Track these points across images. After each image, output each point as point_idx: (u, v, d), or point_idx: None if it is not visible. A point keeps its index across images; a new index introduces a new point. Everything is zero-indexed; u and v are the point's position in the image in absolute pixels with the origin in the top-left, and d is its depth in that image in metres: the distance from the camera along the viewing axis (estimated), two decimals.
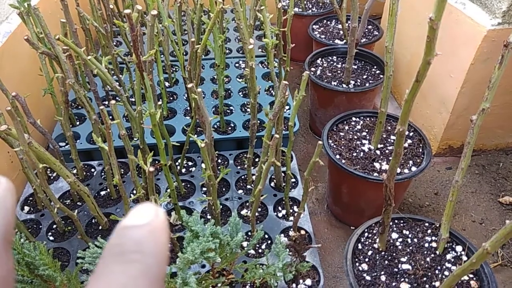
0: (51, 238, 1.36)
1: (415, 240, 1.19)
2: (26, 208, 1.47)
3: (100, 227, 1.37)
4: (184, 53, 2.08)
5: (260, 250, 1.32)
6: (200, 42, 1.90)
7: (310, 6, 2.51)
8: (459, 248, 1.16)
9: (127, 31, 0.92)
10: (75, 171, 1.58)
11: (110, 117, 1.80)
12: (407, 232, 1.22)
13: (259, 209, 1.46)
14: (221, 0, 1.21)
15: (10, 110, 0.91)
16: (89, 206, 1.23)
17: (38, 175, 1.13)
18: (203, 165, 1.64)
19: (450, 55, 1.70)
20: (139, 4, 2.13)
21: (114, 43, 2.36)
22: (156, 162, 1.61)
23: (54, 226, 1.39)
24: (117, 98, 1.84)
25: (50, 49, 1.22)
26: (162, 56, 1.92)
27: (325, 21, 2.35)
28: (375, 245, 1.18)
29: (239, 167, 1.62)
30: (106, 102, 1.89)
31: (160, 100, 1.84)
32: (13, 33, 1.73)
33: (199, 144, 1.04)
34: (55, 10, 2.07)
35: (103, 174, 1.58)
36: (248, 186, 1.54)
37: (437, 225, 1.21)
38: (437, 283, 1.08)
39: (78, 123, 1.81)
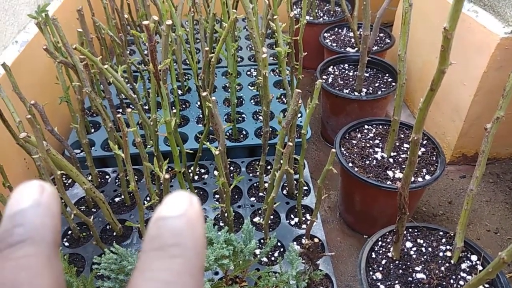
0: (66, 244, 1.37)
1: (430, 249, 1.18)
2: None
3: (114, 233, 1.39)
4: (197, 62, 2.11)
5: (272, 258, 1.32)
6: (213, 51, 1.93)
7: (322, 15, 2.53)
8: (474, 258, 1.15)
9: (144, 40, 0.94)
10: (90, 178, 1.60)
11: (126, 124, 1.82)
12: (421, 241, 1.21)
13: (272, 217, 1.46)
14: (235, 11, 1.23)
15: (30, 118, 0.93)
16: (104, 212, 1.24)
17: (56, 182, 1.14)
18: (215, 172, 1.66)
19: (463, 63, 1.70)
20: (152, 13, 2.17)
21: (128, 52, 2.40)
22: (170, 169, 1.62)
23: (69, 232, 1.41)
24: (131, 106, 1.87)
25: (67, 58, 1.25)
26: (175, 64, 1.94)
27: (336, 29, 2.36)
28: (389, 254, 1.18)
29: (251, 175, 1.63)
30: (120, 110, 1.92)
31: (174, 107, 1.86)
32: (30, 42, 1.77)
33: (213, 151, 1.05)
34: (70, 19, 2.11)
35: (117, 181, 1.60)
36: (260, 194, 1.55)
37: (452, 234, 1.21)
38: None
39: (93, 130, 1.84)
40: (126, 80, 1.92)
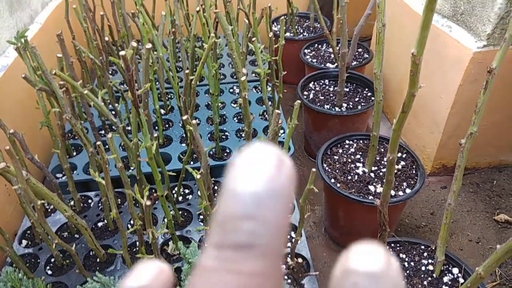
0: (50, 272, 1.35)
1: (412, 263, 1.20)
2: (24, 242, 1.47)
3: (98, 260, 1.37)
4: (179, 80, 2.12)
5: None
6: (194, 70, 1.94)
7: (302, 31, 2.57)
8: (455, 270, 1.17)
9: (121, 69, 0.95)
10: (72, 203, 1.58)
11: (107, 147, 1.81)
12: (404, 256, 1.23)
13: None
14: (213, 34, 1.25)
15: (9, 150, 0.92)
16: (86, 239, 1.23)
17: (36, 210, 1.13)
18: (199, 193, 1.66)
19: (439, 76, 1.74)
20: (134, 32, 2.18)
21: (110, 72, 2.40)
22: (153, 190, 1.62)
23: (52, 259, 1.39)
24: (113, 127, 1.86)
25: (47, 85, 1.25)
26: (157, 83, 1.95)
27: (316, 45, 2.40)
28: None
29: None
30: (103, 131, 1.91)
31: (156, 128, 1.86)
32: (10, 66, 1.76)
33: (194, 175, 1.06)
34: (51, 41, 2.11)
35: (100, 205, 1.59)
36: None
37: (433, 248, 1.23)
38: None
39: (75, 153, 1.83)
40: (108, 101, 1.92)
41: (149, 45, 1.19)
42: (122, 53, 0.79)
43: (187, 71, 1.35)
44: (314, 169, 1.09)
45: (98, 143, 1.01)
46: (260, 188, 0.14)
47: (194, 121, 1.10)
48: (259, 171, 0.15)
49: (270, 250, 0.14)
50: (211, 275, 0.14)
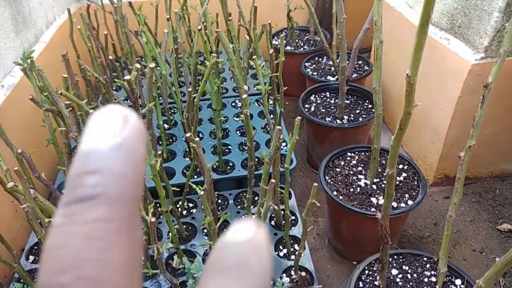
0: None
1: (415, 275, 1.21)
2: (31, 258, 1.49)
3: None
4: (182, 95, 2.15)
5: None
6: (197, 86, 1.97)
7: (302, 44, 2.60)
8: (458, 282, 1.18)
9: (127, 90, 0.98)
10: None
11: None
12: (407, 268, 1.24)
13: None
14: (214, 54, 1.28)
15: (18, 170, 0.95)
16: None
17: (43, 227, 1.16)
18: (203, 207, 1.68)
19: (439, 88, 1.76)
20: (137, 49, 2.22)
21: (114, 88, 2.44)
22: (158, 205, 1.64)
23: None
24: None
25: (53, 104, 1.28)
26: (160, 98, 1.98)
27: (316, 58, 2.43)
28: (376, 282, 1.20)
29: (239, 207, 1.65)
30: None
31: (160, 142, 1.89)
32: (16, 85, 1.79)
33: (198, 191, 1.08)
34: (56, 59, 2.15)
35: None
36: None
37: (436, 259, 1.23)
38: None
39: None
40: None
41: (152, 65, 1.22)
42: (127, 77, 0.81)
43: (189, 90, 1.38)
44: (316, 184, 1.11)
45: None
46: (103, 144, 0.16)
47: (197, 139, 1.13)
48: (103, 129, 0.16)
49: (115, 198, 0.16)
50: (59, 231, 0.15)
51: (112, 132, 0.16)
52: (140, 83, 1.97)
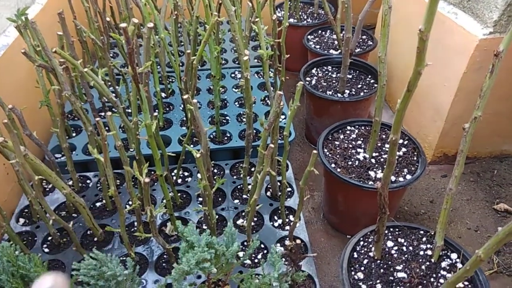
0: (46, 250, 1.35)
1: (411, 248, 1.20)
2: (22, 220, 1.46)
3: (95, 239, 1.37)
4: (181, 64, 2.10)
5: (256, 260, 1.32)
6: (196, 53, 1.92)
7: (305, 17, 2.54)
8: (454, 256, 1.16)
9: (123, 44, 0.93)
10: (71, 183, 1.58)
11: (106, 128, 1.80)
12: (402, 240, 1.22)
13: (255, 219, 1.46)
14: (216, 13, 1.23)
15: (7, 123, 0.91)
16: (84, 217, 1.23)
17: (34, 187, 1.13)
18: (199, 175, 1.65)
19: (443, 64, 1.72)
20: (136, 15, 2.16)
21: (111, 55, 2.38)
22: (152, 172, 1.61)
23: (49, 238, 1.39)
24: (113, 109, 1.85)
25: (47, 62, 1.24)
26: (158, 67, 1.94)
27: (320, 31, 2.37)
28: (371, 254, 1.19)
29: (235, 177, 1.63)
30: (103, 113, 1.90)
31: (157, 110, 1.85)
32: (10, 46, 1.74)
33: (194, 154, 1.05)
34: (52, 22, 2.09)
35: (98, 185, 1.58)
36: (244, 196, 1.55)
37: (432, 233, 1.22)
38: None
39: (74, 134, 1.82)
40: (109, 83, 1.90)
41: (150, 24, 1.17)
42: (122, 25, 0.77)
43: (188, 51, 1.34)
44: (315, 151, 1.08)
45: (97, 119, 1.00)
46: None
47: (194, 100, 1.09)
48: None
49: None
50: None
51: None
52: (138, 51, 1.91)
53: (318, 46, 2.24)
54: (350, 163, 1.50)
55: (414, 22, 1.93)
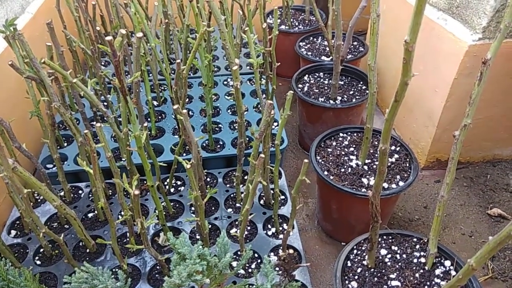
0: (38, 262, 1.34)
1: (404, 256, 1.19)
2: (13, 232, 1.45)
3: (88, 250, 1.36)
4: (172, 72, 2.10)
5: (250, 270, 1.31)
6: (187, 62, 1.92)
7: (297, 24, 2.55)
8: (447, 263, 1.16)
9: (110, 55, 0.93)
10: (62, 193, 1.56)
11: (97, 139, 1.79)
12: (396, 248, 1.22)
13: (249, 228, 1.45)
14: (205, 23, 1.23)
15: None
16: (76, 229, 1.22)
17: (23, 201, 1.12)
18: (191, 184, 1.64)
19: (434, 70, 1.73)
20: (127, 23, 2.15)
21: (102, 63, 2.37)
22: (144, 182, 1.60)
23: (41, 250, 1.37)
24: (105, 118, 1.84)
25: (36, 73, 1.23)
26: (150, 75, 1.93)
27: (311, 38, 2.38)
28: (364, 262, 1.18)
29: (228, 185, 1.62)
30: (94, 122, 1.89)
31: (149, 119, 1.84)
32: None
33: (185, 165, 1.04)
34: (43, 31, 2.08)
35: (90, 195, 1.57)
36: (238, 205, 1.54)
37: (425, 240, 1.22)
38: None
39: (66, 144, 1.80)
40: (100, 92, 1.89)
41: (140, 34, 1.16)
42: (108, 38, 0.77)
43: (178, 61, 1.33)
44: (306, 160, 1.08)
45: (86, 131, 0.99)
46: None
47: (184, 111, 1.08)
48: None
49: None
50: None
51: None
52: (130, 60, 1.91)
53: (309, 53, 2.24)
54: (343, 170, 1.50)
55: (403, 30, 1.93)
